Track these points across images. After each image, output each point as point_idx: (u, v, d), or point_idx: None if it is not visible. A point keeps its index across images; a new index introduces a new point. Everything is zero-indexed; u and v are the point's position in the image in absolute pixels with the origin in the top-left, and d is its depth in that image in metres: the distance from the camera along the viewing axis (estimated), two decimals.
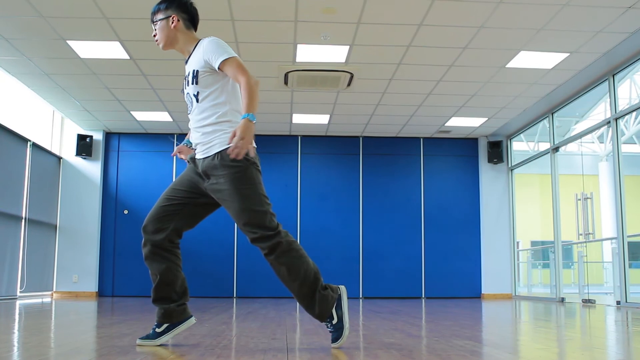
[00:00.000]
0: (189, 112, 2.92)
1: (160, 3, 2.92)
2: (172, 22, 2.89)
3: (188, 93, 2.87)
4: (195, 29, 3.01)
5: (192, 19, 2.97)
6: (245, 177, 2.75)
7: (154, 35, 2.92)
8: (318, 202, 10.41)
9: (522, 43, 6.60)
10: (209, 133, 2.79)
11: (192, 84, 2.82)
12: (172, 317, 2.90)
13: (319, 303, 2.79)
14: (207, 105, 2.82)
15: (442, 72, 7.51)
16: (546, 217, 10.36)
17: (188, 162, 2.94)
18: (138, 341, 2.92)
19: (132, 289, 10.04)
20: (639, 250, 11.22)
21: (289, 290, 2.85)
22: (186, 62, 2.93)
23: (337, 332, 2.80)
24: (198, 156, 2.86)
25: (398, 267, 10.34)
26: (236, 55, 2.79)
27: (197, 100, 2.83)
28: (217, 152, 2.76)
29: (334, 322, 2.80)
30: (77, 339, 3.31)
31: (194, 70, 2.82)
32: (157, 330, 2.90)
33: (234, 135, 2.59)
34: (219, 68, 2.74)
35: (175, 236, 2.89)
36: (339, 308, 2.82)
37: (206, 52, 2.78)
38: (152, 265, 2.88)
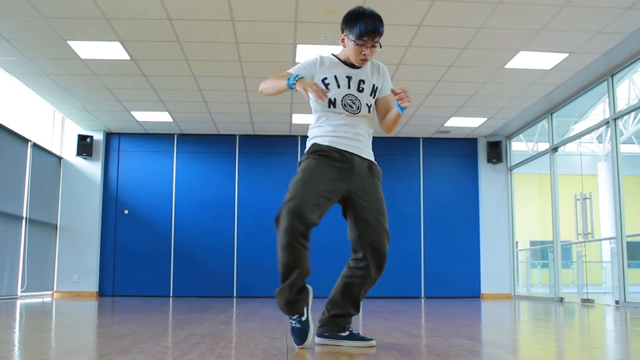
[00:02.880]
0: (352, 113, 2.91)
1: (382, 26, 2.87)
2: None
3: (355, 98, 2.91)
4: None
5: None
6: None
7: (367, 55, 2.87)
8: None
9: (522, 43, 6.61)
10: (369, 144, 3.00)
11: (371, 96, 2.96)
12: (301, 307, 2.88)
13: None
14: (368, 122, 2.99)
15: (441, 72, 7.53)
16: (545, 217, 10.37)
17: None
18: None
19: (132, 288, 10.04)
20: (638, 250, 11.24)
21: None
22: (347, 65, 2.95)
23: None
24: (350, 149, 2.90)
25: (398, 267, 10.33)
26: None
27: (369, 111, 2.96)
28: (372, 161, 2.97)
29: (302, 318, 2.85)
30: (78, 339, 3.32)
31: (374, 86, 2.97)
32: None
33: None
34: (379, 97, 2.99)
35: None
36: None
37: (387, 78, 3.02)
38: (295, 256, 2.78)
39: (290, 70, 2.96)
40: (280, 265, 2.76)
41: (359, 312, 3.00)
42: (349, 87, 2.91)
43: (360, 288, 2.94)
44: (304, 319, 2.83)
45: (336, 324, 2.94)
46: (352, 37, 2.85)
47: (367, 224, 2.89)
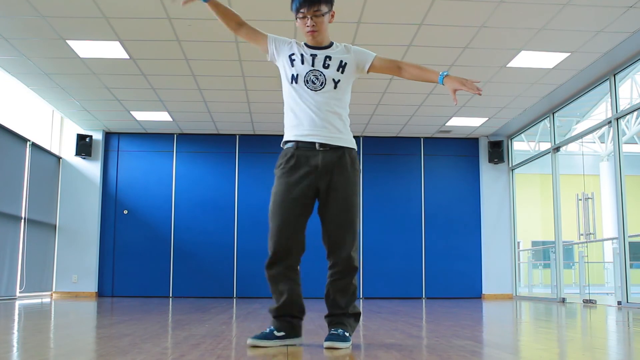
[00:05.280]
0: (314, 89, 2.93)
1: None
2: (331, 17, 3.03)
3: (319, 74, 2.94)
4: None
5: None
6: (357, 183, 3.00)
7: (312, 25, 2.92)
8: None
9: (523, 43, 6.58)
10: (339, 125, 2.92)
11: (338, 71, 2.95)
12: (293, 329, 2.94)
13: None
14: (341, 95, 2.96)
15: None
16: (547, 217, 10.35)
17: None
18: (250, 341, 2.89)
19: (131, 289, 10.02)
20: None
21: None
22: (309, 46, 3.01)
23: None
24: (316, 139, 2.89)
25: (398, 267, 10.32)
26: None
27: (335, 87, 2.94)
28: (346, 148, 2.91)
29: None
30: (77, 340, 3.30)
31: (342, 61, 2.97)
32: (276, 333, 2.90)
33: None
34: (373, 61, 3.03)
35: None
36: None
37: (358, 53, 3.04)
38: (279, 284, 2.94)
39: (270, 35, 3.08)
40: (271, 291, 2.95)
41: (346, 310, 2.92)
42: (313, 65, 2.95)
43: (334, 294, 2.92)
44: (279, 334, 2.89)
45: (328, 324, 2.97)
46: (294, 15, 2.95)
47: (330, 224, 2.89)
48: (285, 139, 3.00)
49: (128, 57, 7.08)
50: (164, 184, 10.37)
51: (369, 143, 10.60)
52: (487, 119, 9.57)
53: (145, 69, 7.51)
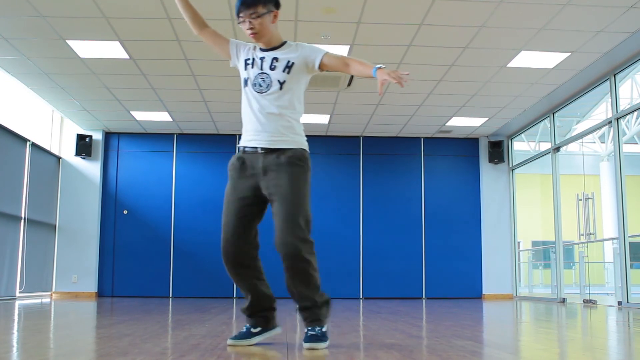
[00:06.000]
0: (260, 92, 2.98)
1: None
2: (274, 18, 3.00)
3: (265, 76, 2.97)
4: None
5: None
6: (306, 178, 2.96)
7: (251, 28, 2.94)
8: (318, 202, 10.38)
9: (523, 43, 6.58)
10: (283, 127, 2.93)
11: (284, 72, 2.96)
12: (268, 322, 3.01)
13: (320, 309, 2.92)
14: (288, 96, 2.97)
15: (442, 71, 7.50)
16: (547, 217, 10.35)
17: None
18: (230, 341, 2.94)
19: (131, 289, 10.02)
20: None
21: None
22: (263, 49, 3.04)
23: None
24: (257, 144, 2.95)
25: (398, 268, 10.32)
26: None
27: (281, 88, 2.95)
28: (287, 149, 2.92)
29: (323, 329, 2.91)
30: (77, 340, 3.29)
31: (289, 61, 2.96)
32: (253, 330, 2.97)
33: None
34: (322, 59, 2.95)
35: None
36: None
37: (306, 51, 2.99)
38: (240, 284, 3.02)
39: (232, 39, 3.18)
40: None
41: (314, 301, 2.90)
42: (261, 68, 2.99)
43: (290, 285, 2.92)
44: (255, 331, 2.96)
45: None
46: (237, 20, 2.99)
47: (275, 217, 2.90)
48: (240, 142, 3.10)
49: (128, 57, 7.08)
50: (164, 184, 10.37)
51: (369, 143, 10.59)
52: (487, 119, 9.57)
53: (145, 69, 7.50)
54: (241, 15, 2.93)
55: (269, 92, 2.96)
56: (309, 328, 2.90)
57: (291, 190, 2.86)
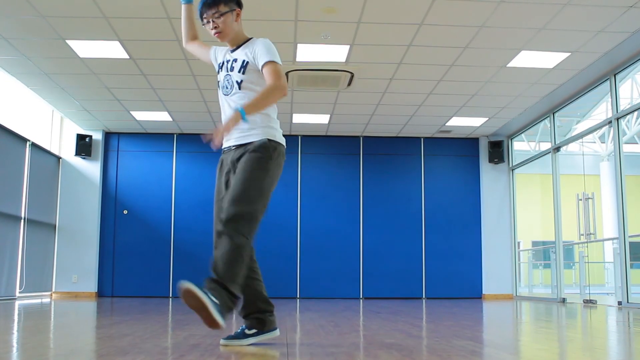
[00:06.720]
0: (226, 94, 3.03)
1: None
2: (237, 16, 3.03)
3: (229, 78, 3.00)
4: None
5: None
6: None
7: (214, 28, 2.97)
8: (318, 202, 10.38)
9: (523, 42, 6.58)
10: (251, 122, 2.91)
11: (239, 72, 2.98)
12: (265, 324, 2.99)
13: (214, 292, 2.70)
14: (251, 94, 2.95)
15: (442, 71, 7.50)
16: (547, 217, 10.35)
17: None
18: (223, 341, 2.95)
19: (131, 289, 10.02)
20: None
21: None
22: (231, 51, 3.07)
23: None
24: (232, 143, 2.97)
25: (398, 268, 10.31)
26: (279, 62, 2.94)
27: (240, 88, 2.97)
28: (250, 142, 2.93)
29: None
30: (77, 340, 3.29)
31: (244, 61, 2.97)
32: (247, 332, 2.97)
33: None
34: (261, 68, 2.93)
35: None
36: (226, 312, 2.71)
37: (256, 50, 2.96)
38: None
39: (212, 47, 3.23)
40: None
41: (222, 279, 2.82)
42: (228, 70, 3.03)
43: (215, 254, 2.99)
44: (250, 332, 2.98)
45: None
46: (202, 23, 3.03)
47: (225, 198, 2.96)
48: None
49: (128, 57, 7.08)
50: (164, 184, 10.36)
51: (369, 143, 10.59)
52: (487, 119, 9.57)
53: (145, 69, 7.50)
54: (205, 16, 2.97)
55: (231, 93, 3.00)
56: (205, 285, 2.74)
57: (240, 180, 2.85)
